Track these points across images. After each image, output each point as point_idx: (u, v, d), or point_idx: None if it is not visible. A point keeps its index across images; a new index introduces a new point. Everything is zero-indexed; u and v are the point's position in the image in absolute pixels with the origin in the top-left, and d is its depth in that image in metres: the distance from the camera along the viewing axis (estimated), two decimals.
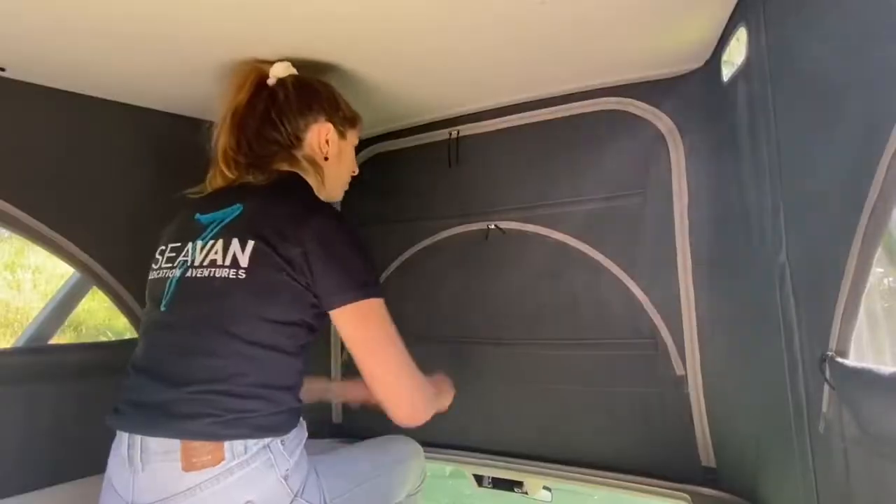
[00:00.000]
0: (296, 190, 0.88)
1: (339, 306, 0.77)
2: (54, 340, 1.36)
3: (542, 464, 1.39)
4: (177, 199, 1.46)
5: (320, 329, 0.83)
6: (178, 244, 0.85)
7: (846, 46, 0.61)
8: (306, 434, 0.84)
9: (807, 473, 0.75)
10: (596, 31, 1.06)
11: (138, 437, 0.76)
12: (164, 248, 0.89)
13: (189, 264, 0.81)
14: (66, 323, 1.38)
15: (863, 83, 0.58)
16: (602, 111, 1.37)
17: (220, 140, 0.94)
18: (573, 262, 1.40)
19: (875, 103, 0.55)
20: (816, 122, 0.69)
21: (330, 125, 0.98)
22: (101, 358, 1.30)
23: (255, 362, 0.76)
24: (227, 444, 0.73)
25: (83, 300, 1.40)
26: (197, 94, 1.31)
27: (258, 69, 0.98)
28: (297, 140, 0.95)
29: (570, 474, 1.35)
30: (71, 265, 1.27)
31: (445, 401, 1.06)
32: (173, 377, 0.76)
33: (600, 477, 1.31)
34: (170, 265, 0.84)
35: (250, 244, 0.76)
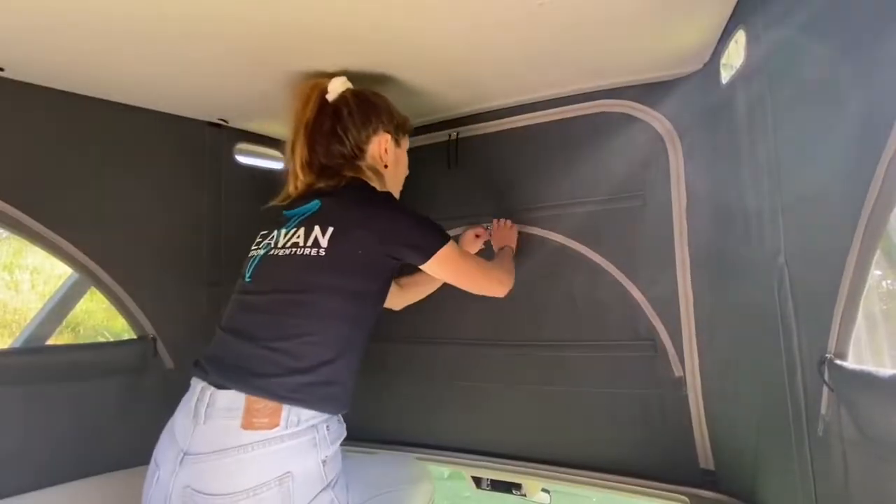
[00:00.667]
0: (363, 189, 1.02)
1: (427, 261, 0.95)
2: (52, 341, 1.36)
3: (540, 466, 1.39)
4: (178, 200, 1.46)
5: (382, 301, 0.98)
6: (266, 231, 1.01)
7: (844, 49, 0.61)
8: (345, 433, 0.91)
9: (805, 475, 0.75)
10: (595, 33, 1.07)
11: (209, 392, 0.85)
12: (258, 236, 1.04)
13: (273, 246, 0.95)
14: (63, 324, 1.38)
15: (861, 86, 0.58)
16: (601, 113, 1.37)
17: (297, 152, 1.05)
18: (572, 264, 1.40)
19: (873, 106, 0.55)
20: (815, 124, 0.69)
21: (388, 135, 1.10)
22: (98, 358, 1.30)
23: (324, 330, 0.87)
24: (283, 412, 0.81)
25: (81, 301, 1.40)
26: (196, 95, 1.31)
27: (319, 85, 1.08)
28: (361, 151, 1.07)
29: (569, 476, 1.34)
30: (69, 266, 1.27)
31: (508, 264, 1.26)
32: (252, 334, 0.88)
33: (599, 479, 1.30)
34: (256, 247, 1.00)
35: (330, 229, 0.90)
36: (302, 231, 0.92)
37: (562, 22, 1.00)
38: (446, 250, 0.97)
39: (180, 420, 0.87)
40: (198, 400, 0.85)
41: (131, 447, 1.29)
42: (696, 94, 1.23)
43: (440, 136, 1.58)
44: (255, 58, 1.10)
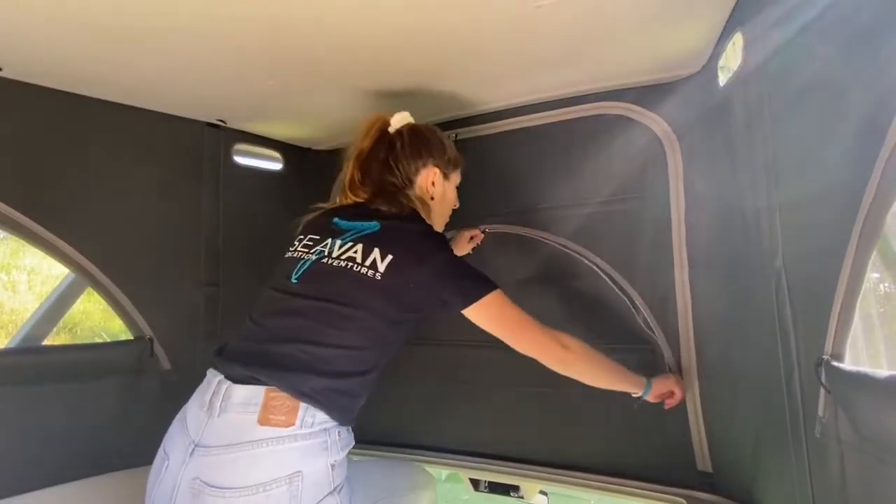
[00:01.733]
0: (422, 225, 1.04)
1: (469, 305, 0.95)
2: (48, 342, 1.35)
3: (538, 468, 1.39)
4: (176, 200, 1.46)
5: (410, 334, 0.99)
6: (318, 237, 1.01)
7: (841, 52, 0.61)
8: (353, 442, 0.92)
9: (803, 477, 0.75)
10: (593, 36, 1.07)
11: (225, 386, 0.85)
12: (302, 237, 1.04)
13: (326, 254, 0.96)
14: (60, 324, 1.38)
15: (858, 89, 0.58)
16: (600, 115, 1.37)
17: (347, 173, 1.11)
18: (571, 266, 1.40)
19: (870, 109, 0.55)
20: (812, 127, 0.69)
21: (436, 169, 1.14)
22: (95, 359, 1.29)
23: (358, 346, 0.90)
24: (301, 410, 0.83)
25: (78, 302, 1.39)
26: (194, 95, 1.31)
27: (382, 119, 1.14)
28: (410, 182, 1.11)
29: (567, 478, 1.34)
30: (66, 266, 1.26)
31: (613, 369, 1.13)
32: (288, 335, 0.90)
33: (596, 481, 1.30)
34: (306, 250, 0.99)
35: (389, 256, 0.92)
36: (360, 248, 0.94)
37: (560, 24, 1.00)
38: (490, 299, 0.96)
39: (193, 411, 0.88)
40: (213, 393, 0.86)
41: (128, 448, 1.28)
42: (694, 97, 1.24)
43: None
44: (252, 58, 1.10)
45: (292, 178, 1.76)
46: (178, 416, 0.91)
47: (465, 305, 0.95)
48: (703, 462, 1.23)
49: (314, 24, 0.96)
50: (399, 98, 1.36)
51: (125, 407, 1.31)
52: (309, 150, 1.81)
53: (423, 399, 1.60)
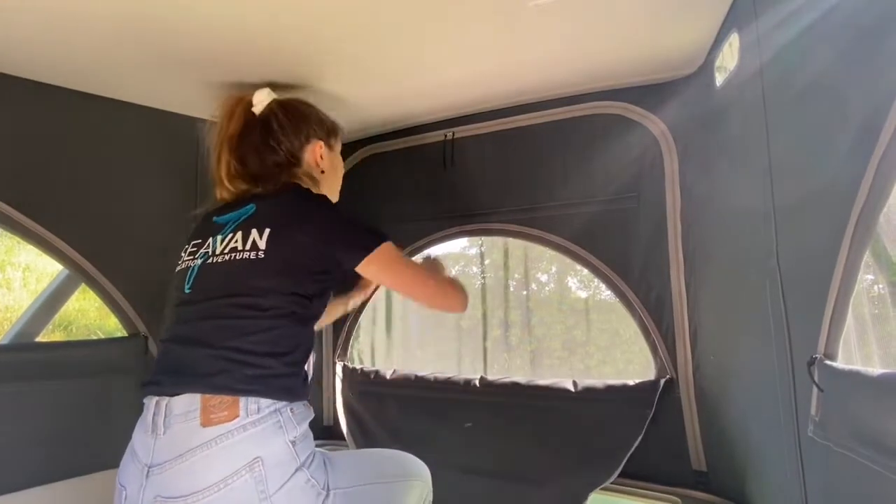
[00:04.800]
0: (298, 191, 1.01)
1: (360, 261, 0.94)
2: (42, 339, 1.35)
3: None
4: (169, 196, 1.45)
5: (325, 301, 0.96)
6: (199, 240, 0.98)
7: (836, 53, 0.62)
8: (313, 414, 0.91)
9: (796, 476, 0.75)
10: (589, 35, 1.07)
11: (164, 402, 0.84)
12: (187, 246, 1.01)
13: (210, 254, 0.94)
14: (55, 322, 1.37)
15: (853, 90, 0.58)
16: (596, 115, 1.37)
17: (221, 163, 1.05)
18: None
19: (864, 110, 0.56)
20: (807, 127, 0.70)
21: (320, 142, 1.10)
22: (88, 356, 1.29)
23: (270, 328, 0.87)
24: (242, 402, 0.81)
25: (74, 299, 1.39)
26: (190, 92, 1.30)
27: (243, 99, 1.08)
28: (296, 160, 1.07)
29: None
30: (60, 262, 1.26)
31: (444, 276, 1.20)
32: (198, 340, 0.87)
33: None
34: (191, 257, 0.97)
35: (266, 230, 0.89)
36: (239, 235, 0.92)
37: (555, 24, 1.01)
38: (383, 249, 0.95)
39: (139, 438, 0.86)
40: (154, 414, 0.84)
41: (122, 446, 1.27)
42: (690, 97, 1.24)
43: (435, 136, 1.58)
44: (247, 52, 1.09)
45: None
46: (126, 451, 0.89)
47: (358, 261, 0.93)
48: (698, 461, 1.23)
49: (314, 23, 0.96)
50: (394, 98, 1.37)
51: (119, 404, 1.30)
52: None
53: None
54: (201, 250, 0.96)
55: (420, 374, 1.57)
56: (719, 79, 1.08)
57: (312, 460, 0.86)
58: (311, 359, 0.94)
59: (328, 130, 1.13)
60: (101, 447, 1.26)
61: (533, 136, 1.45)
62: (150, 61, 1.11)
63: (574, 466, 1.29)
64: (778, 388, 0.80)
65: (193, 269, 0.94)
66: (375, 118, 1.54)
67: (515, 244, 1.73)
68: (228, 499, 0.77)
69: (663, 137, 1.30)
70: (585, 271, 1.45)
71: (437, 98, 1.41)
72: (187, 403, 0.82)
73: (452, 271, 1.77)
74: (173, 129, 1.44)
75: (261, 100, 1.08)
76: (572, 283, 1.83)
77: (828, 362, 0.63)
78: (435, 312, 1.70)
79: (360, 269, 0.95)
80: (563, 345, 1.76)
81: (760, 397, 0.90)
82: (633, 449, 1.22)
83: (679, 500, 1.20)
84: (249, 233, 0.91)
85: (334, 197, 1.15)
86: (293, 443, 0.83)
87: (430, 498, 1.14)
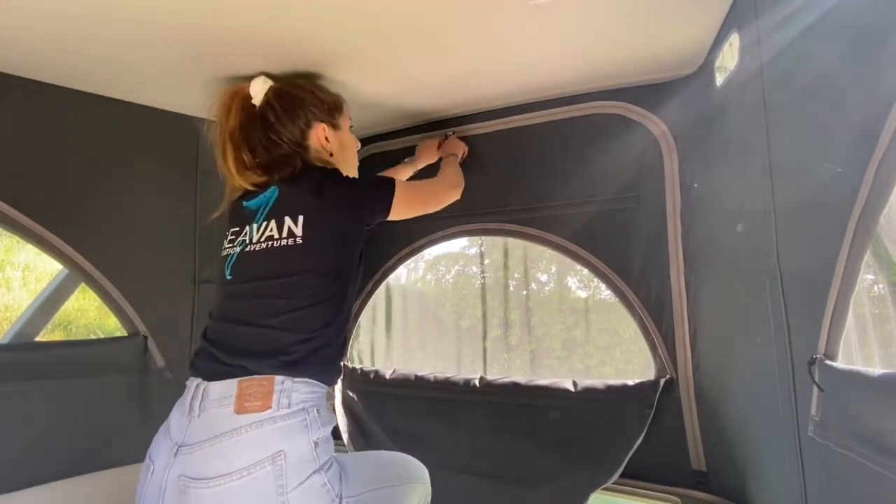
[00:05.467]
0: (315, 172, 1.05)
1: (387, 214, 1.05)
2: (41, 338, 1.35)
3: None
4: (170, 196, 1.45)
5: (358, 267, 1.03)
6: (237, 228, 1.03)
7: (837, 53, 0.62)
8: (336, 420, 0.95)
9: (796, 476, 0.75)
10: (589, 35, 1.07)
11: (202, 386, 0.88)
12: (227, 232, 1.06)
13: (248, 242, 0.99)
14: (55, 322, 1.37)
15: (853, 90, 0.58)
16: (597, 115, 1.37)
17: (228, 158, 1.06)
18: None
19: (864, 110, 0.56)
20: (807, 127, 0.70)
21: (323, 124, 1.09)
22: (88, 355, 1.29)
23: (306, 306, 0.92)
24: (275, 395, 0.85)
25: (73, 299, 1.39)
26: (190, 92, 1.30)
27: (239, 92, 1.08)
28: (302, 147, 1.07)
29: None
30: (59, 262, 1.26)
31: (454, 169, 1.38)
32: (238, 318, 0.94)
33: None
34: (231, 245, 1.02)
35: (300, 217, 0.95)
36: (274, 224, 0.97)
37: (555, 23, 1.00)
38: (398, 193, 1.05)
39: (176, 417, 0.90)
40: (192, 397, 0.88)
41: (121, 445, 1.28)
42: (690, 97, 1.24)
43: (435, 136, 1.58)
44: (248, 50, 1.09)
45: None
46: (161, 427, 0.93)
47: (386, 214, 1.04)
48: (698, 461, 1.23)
49: (313, 21, 0.96)
50: (395, 97, 1.36)
51: (119, 404, 1.31)
52: None
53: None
54: (239, 238, 1.01)
55: (420, 373, 1.57)
56: (719, 79, 1.08)
57: (330, 466, 0.88)
58: (344, 337, 1.00)
59: (329, 109, 1.11)
60: (101, 447, 1.26)
61: (533, 136, 1.45)
62: (150, 60, 1.11)
63: (574, 467, 1.29)
64: (778, 388, 0.80)
65: (233, 256, 1.00)
66: (376, 118, 1.54)
67: (515, 244, 1.73)
68: (249, 487, 0.79)
69: (663, 137, 1.30)
70: (585, 271, 1.45)
71: (438, 98, 1.41)
72: (224, 390, 0.86)
73: (452, 271, 1.77)
74: (173, 128, 1.44)
75: (258, 90, 1.07)
76: (572, 282, 1.83)
77: (828, 362, 0.63)
78: (436, 314, 1.69)
79: (390, 217, 1.05)
80: (563, 345, 1.76)
81: (760, 397, 0.90)
82: (633, 449, 1.22)
83: (679, 500, 1.20)
84: (283, 220, 0.96)
85: (352, 173, 1.16)
86: (316, 444, 0.86)
87: (429, 499, 1.15)
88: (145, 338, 1.36)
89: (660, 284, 1.29)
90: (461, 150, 1.47)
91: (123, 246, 1.33)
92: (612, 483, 1.26)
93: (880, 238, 0.63)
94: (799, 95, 0.72)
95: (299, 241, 0.94)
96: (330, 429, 0.91)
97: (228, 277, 0.99)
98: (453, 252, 2.08)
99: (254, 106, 1.08)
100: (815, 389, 0.66)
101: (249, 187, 1.04)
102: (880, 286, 0.72)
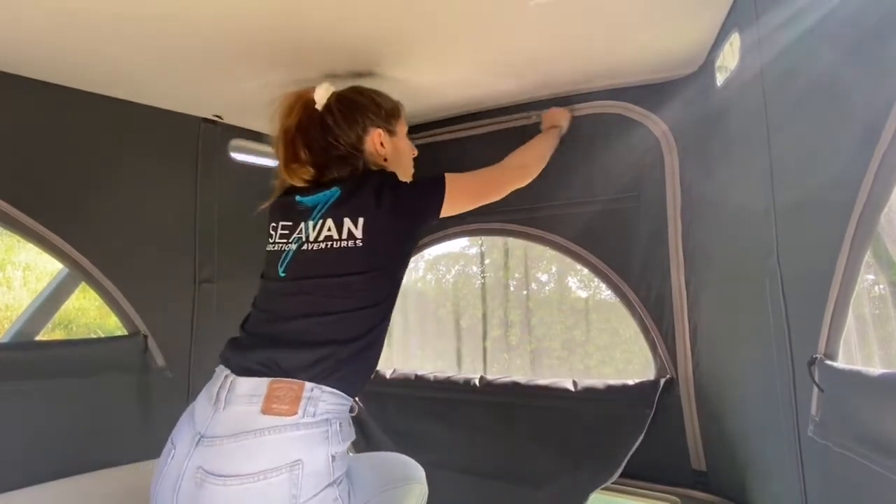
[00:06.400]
0: (374, 175, 1.06)
1: (441, 209, 1.04)
2: (42, 337, 1.35)
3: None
4: (171, 196, 1.45)
5: (401, 283, 1.03)
6: (290, 223, 1.02)
7: (837, 53, 0.62)
8: (354, 436, 0.94)
9: (795, 476, 0.75)
10: (589, 34, 1.07)
11: (230, 379, 0.88)
12: (275, 224, 1.05)
13: (304, 240, 0.98)
14: (55, 321, 1.37)
15: (853, 90, 0.58)
16: (597, 114, 1.37)
17: (285, 154, 1.08)
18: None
19: (865, 110, 0.56)
20: (808, 127, 0.69)
21: (379, 130, 1.10)
22: (88, 355, 1.29)
23: (360, 305, 0.93)
24: (302, 402, 0.85)
25: (74, 298, 1.39)
26: (190, 91, 1.30)
27: (303, 96, 1.10)
28: (358, 150, 1.09)
29: None
30: (60, 261, 1.26)
31: (542, 146, 1.31)
32: (282, 315, 0.94)
33: None
34: (284, 240, 1.01)
35: (360, 220, 0.96)
36: (332, 223, 0.97)
37: (556, 23, 1.00)
38: (449, 191, 1.04)
39: (201, 404, 0.90)
40: (220, 387, 0.88)
41: (121, 444, 1.28)
42: (691, 96, 1.24)
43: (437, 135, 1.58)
44: (249, 51, 1.09)
45: None
46: (187, 410, 0.93)
47: (437, 214, 1.04)
48: (698, 461, 1.23)
49: (309, 26, 0.96)
50: (395, 96, 1.36)
51: (119, 403, 1.31)
52: None
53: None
54: (294, 234, 1.00)
55: (420, 373, 1.57)
56: (720, 79, 1.08)
57: (342, 481, 0.88)
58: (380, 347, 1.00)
59: (386, 115, 1.12)
60: (101, 446, 1.26)
61: (533, 136, 1.45)
62: (154, 60, 1.11)
63: (574, 466, 1.29)
64: (778, 388, 0.79)
65: (288, 253, 0.99)
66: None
67: (516, 244, 1.73)
68: (263, 492, 0.79)
69: (664, 137, 1.30)
70: (585, 271, 1.45)
71: (437, 97, 1.41)
72: (253, 387, 0.86)
73: (452, 271, 1.77)
74: (174, 127, 1.44)
75: (321, 96, 1.09)
76: (572, 282, 1.83)
77: (828, 362, 0.63)
78: (436, 314, 1.69)
79: (443, 214, 1.04)
80: (563, 345, 1.76)
81: (760, 396, 0.90)
82: (633, 449, 1.22)
83: (679, 499, 1.20)
84: (342, 221, 0.96)
85: (406, 177, 1.17)
86: (333, 458, 0.86)
87: (426, 498, 1.16)
88: (145, 337, 1.36)
89: (660, 284, 1.29)
90: (565, 119, 1.37)
91: (124, 245, 1.34)
92: (612, 483, 1.26)
93: (881, 238, 0.63)
94: (799, 95, 0.72)
95: (359, 243, 0.94)
96: (348, 444, 0.91)
97: (282, 275, 0.98)
98: (453, 252, 2.08)
99: (315, 110, 1.09)
100: (815, 389, 0.66)
101: (299, 183, 1.04)
102: (881, 286, 0.72)
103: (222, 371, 0.91)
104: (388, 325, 1.00)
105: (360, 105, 1.10)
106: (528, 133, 1.46)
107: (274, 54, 1.10)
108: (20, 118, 1.17)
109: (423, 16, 0.96)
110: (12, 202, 1.15)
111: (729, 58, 1.02)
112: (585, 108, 1.38)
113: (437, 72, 1.23)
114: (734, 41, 0.95)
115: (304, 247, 0.97)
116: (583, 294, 1.82)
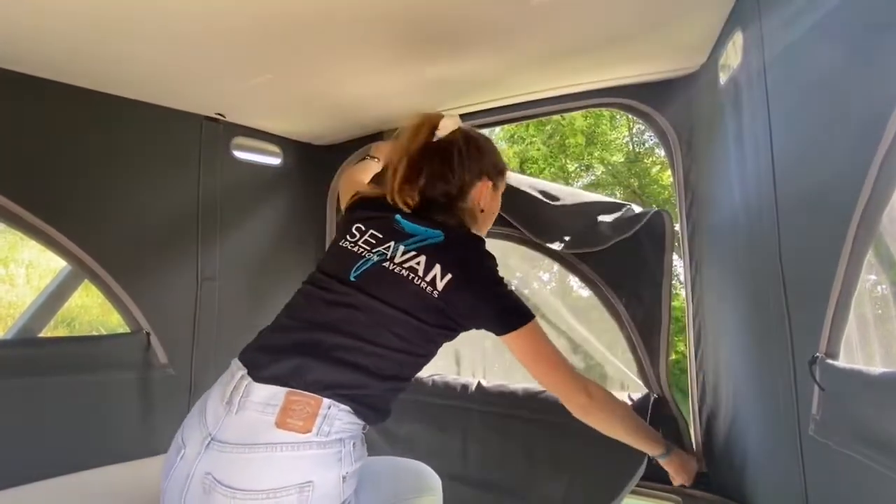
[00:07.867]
0: (479, 244, 1.03)
1: (504, 334, 0.96)
2: (45, 334, 1.35)
3: None
4: (173, 193, 1.46)
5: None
6: (381, 236, 0.99)
7: (841, 52, 0.61)
8: (366, 455, 0.93)
9: (796, 475, 0.75)
10: (591, 32, 1.07)
11: (245, 383, 0.85)
12: (363, 228, 1.01)
13: (388, 258, 0.95)
14: (58, 318, 1.37)
15: (856, 89, 0.58)
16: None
17: (397, 176, 1.04)
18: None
19: (867, 108, 0.56)
20: (810, 126, 0.69)
21: (490, 182, 1.08)
22: (91, 351, 1.29)
23: (404, 348, 0.91)
24: (318, 419, 0.82)
25: (77, 296, 1.39)
26: (192, 89, 1.30)
27: (431, 121, 1.07)
28: (463, 195, 1.06)
29: None
30: (63, 258, 1.26)
31: (643, 443, 1.07)
32: (334, 322, 0.91)
33: None
34: (368, 248, 0.98)
35: (448, 276, 0.92)
36: (423, 260, 0.94)
37: (558, 21, 1.00)
38: (529, 329, 0.96)
39: (214, 401, 0.88)
40: (234, 388, 0.86)
41: (123, 441, 1.28)
42: (694, 94, 1.24)
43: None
44: (250, 50, 1.09)
45: (291, 174, 1.76)
46: (198, 404, 0.91)
47: (504, 332, 0.96)
48: (698, 461, 1.23)
49: (312, 15, 0.96)
50: (398, 95, 1.36)
51: (121, 400, 1.31)
52: (309, 144, 1.80)
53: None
54: (380, 248, 0.97)
55: (418, 375, 1.57)
56: (722, 77, 1.07)
57: (350, 500, 0.88)
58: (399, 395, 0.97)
59: (499, 171, 1.11)
60: (103, 442, 1.27)
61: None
62: (156, 58, 1.12)
63: (569, 484, 1.28)
64: (779, 387, 0.79)
65: (368, 261, 0.95)
66: (376, 116, 1.54)
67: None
68: None
69: (666, 135, 1.30)
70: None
71: (441, 95, 1.41)
72: (269, 396, 0.83)
73: None
74: (177, 125, 1.44)
75: (447, 126, 1.06)
76: (573, 282, 1.83)
77: (829, 361, 0.63)
78: None
79: (503, 339, 0.97)
80: (563, 345, 1.76)
81: (761, 395, 0.90)
82: (637, 475, 1.19)
83: (680, 499, 1.20)
84: (433, 266, 0.93)
85: (485, 233, 1.15)
86: (344, 478, 0.84)
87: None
88: (148, 334, 1.37)
89: (651, 301, 1.29)
90: (688, 475, 1.13)
91: (127, 243, 1.34)
92: None
93: (882, 237, 0.63)
94: (801, 94, 0.72)
95: (436, 294, 0.91)
96: (360, 464, 0.90)
97: (353, 279, 0.94)
98: None
99: (434, 136, 1.06)
100: (816, 388, 0.66)
101: (401, 204, 1.01)
102: (882, 286, 0.72)
103: (238, 369, 0.88)
104: (410, 383, 0.97)
105: (486, 151, 1.09)
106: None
107: (277, 53, 1.10)
108: (23, 116, 1.18)
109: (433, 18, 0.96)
110: (15, 199, 1.15)
111: (731, 56, 1.01)
112: (587, 106, 1.38)
113: (440, 70, 1.23)
114: (736, 40, 0.95)
115: (386, 264, 0.94)
116: (584, 293, 1.82)
